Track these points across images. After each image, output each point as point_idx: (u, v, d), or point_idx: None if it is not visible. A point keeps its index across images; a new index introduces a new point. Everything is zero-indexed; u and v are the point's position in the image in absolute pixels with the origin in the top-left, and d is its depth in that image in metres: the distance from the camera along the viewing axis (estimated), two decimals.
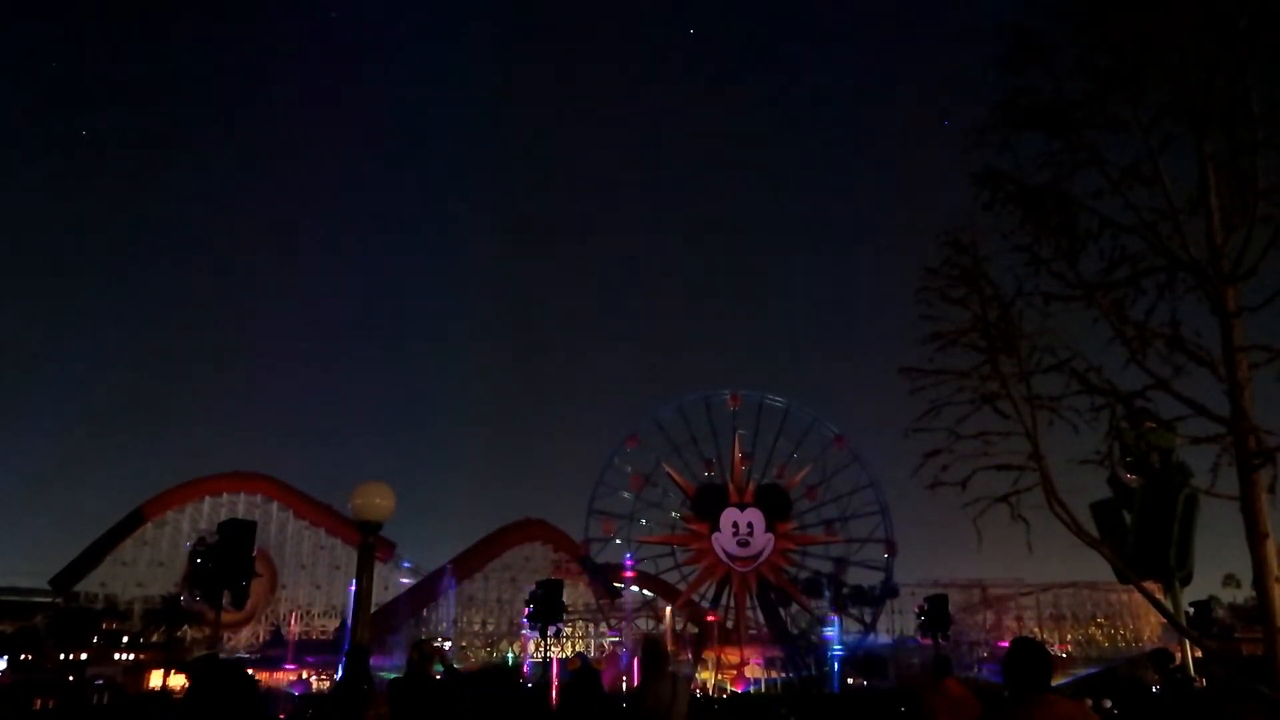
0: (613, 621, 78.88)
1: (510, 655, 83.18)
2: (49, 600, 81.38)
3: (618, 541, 75.59)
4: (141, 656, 72.67)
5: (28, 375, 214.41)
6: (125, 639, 75.18)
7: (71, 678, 59.99)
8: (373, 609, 11.88)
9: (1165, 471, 9.36)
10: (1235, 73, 8.35)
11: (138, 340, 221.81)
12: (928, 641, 29.05)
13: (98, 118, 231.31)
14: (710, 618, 73.10)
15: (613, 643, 78.48)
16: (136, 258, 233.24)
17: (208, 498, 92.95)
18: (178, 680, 68.92)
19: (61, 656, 67.83)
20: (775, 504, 74.80)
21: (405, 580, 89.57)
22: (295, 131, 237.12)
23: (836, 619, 72.79)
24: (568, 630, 75.35)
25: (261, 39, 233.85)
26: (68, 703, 37.84)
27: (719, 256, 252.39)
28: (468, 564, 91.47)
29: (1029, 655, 5.05)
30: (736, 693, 61.31)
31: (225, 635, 76.53)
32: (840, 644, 70.16)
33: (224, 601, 16.60)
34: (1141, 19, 8.49)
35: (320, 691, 61.33)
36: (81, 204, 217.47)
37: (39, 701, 38.36)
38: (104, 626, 74.65)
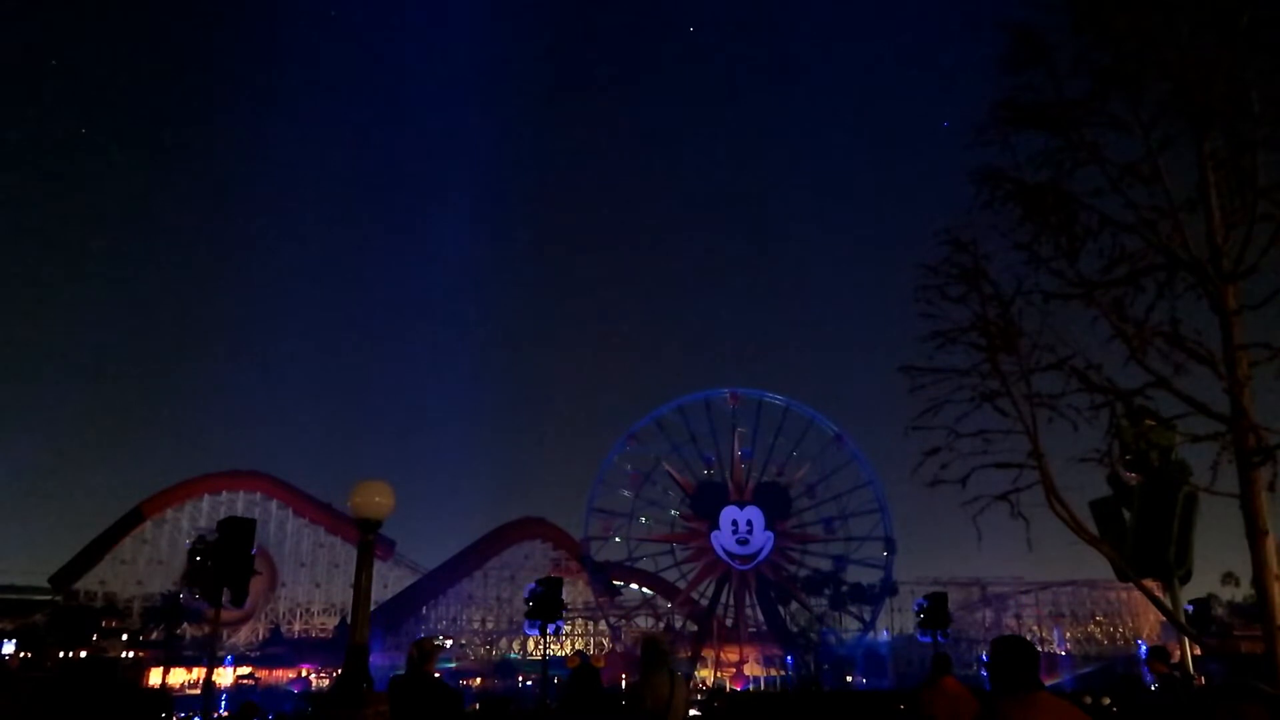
0: (612, 619, 78.97)
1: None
2: (48, 598, 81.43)
3: (617, 539, 75.76)
4: (141, 654, 72.70)
5: (28, 374, 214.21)
6: (125, 637, 75.21)
7: None
8: (372, 607, 11.85)
9: (1165, 469, 9.35)
10: (1235, 71, 8.33)
11: (137, 339, 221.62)
12: (927, 639, 28.90)
13: (97, 117, 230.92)
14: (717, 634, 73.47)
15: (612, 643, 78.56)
16: (136, 256, 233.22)
17: (207, 496, 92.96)
18: (177, 678, 69.11)
19: (61, 655, 67.81)
20: (775, 502, 74.81)
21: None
22: (295, 131, 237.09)
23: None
24: (567, 628, 75.45)
25: (261, 36, 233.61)
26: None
27: (718, 255, 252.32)
28: (468, 562, 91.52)
29: (1015, 653, 4.84)
30: (735, 690, 61.35)
31: (225, 633, 76.60)
32: (843, 643, 70.42)
33: (223, 599, 16.52)
34: (1141, 17, 8.48)
35: (320, 689, 61.43)
36: (80, 202, 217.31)
37: None
38: (103, 624, 74.67)
